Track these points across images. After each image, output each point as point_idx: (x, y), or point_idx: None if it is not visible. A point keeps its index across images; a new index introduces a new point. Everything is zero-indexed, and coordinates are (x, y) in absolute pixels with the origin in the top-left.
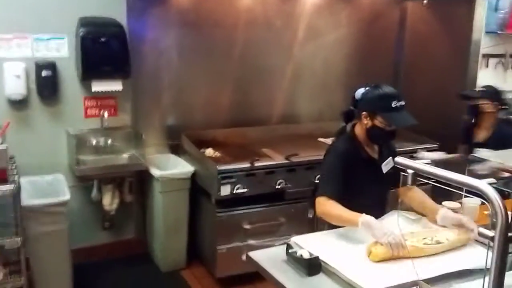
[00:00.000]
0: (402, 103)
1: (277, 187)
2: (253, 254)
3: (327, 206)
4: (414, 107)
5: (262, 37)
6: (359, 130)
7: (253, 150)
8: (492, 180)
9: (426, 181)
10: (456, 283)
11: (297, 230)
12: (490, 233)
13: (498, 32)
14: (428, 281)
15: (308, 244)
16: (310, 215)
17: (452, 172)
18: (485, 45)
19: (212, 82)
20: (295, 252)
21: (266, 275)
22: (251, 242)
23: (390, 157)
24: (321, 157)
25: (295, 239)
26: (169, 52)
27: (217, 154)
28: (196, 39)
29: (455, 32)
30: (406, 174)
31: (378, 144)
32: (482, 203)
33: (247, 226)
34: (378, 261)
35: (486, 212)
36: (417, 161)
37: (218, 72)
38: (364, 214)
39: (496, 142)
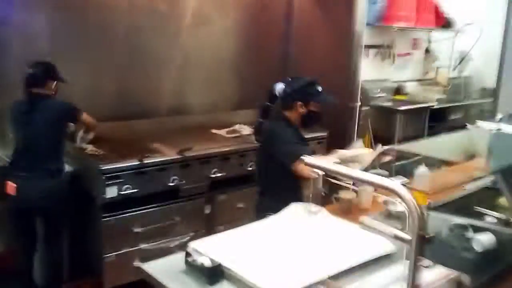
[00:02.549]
0: (320, 87)
1: (170, 184)
2: (145, 266)
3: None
4: None
5: (146, 23)
6: (293, 117)
7: (141, 146)
8: (404, 179)
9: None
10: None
11: (193, 228)
12: (407, 236)
13: (376, 24)
14: (335, 277)
15: (208, 249)
16: (207, 211)
17: (365, 173)
18: (365, 36)
19: (88, 71)
20: (195, 260)
21: None
22: (144, 246)
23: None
24: (217, 150)
25: (194, 245)
26: (39, 38)
27: (100, 151)
28: (71, 23)
29: (339, 24)
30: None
31: (311, 126)
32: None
33: (138, 229)
34: None
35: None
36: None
37: (96, 60)
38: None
39: None
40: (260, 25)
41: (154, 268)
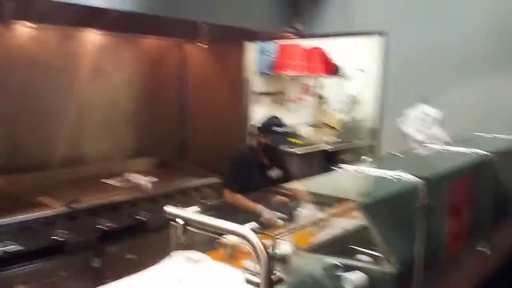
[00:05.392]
0: (281, 129)
1: (56, 238)
2: None
3: (233, 198)
4: (200, 144)
5: (39, 77)
6: (256, 144)
7: (27, 201)
8: (254, 224)
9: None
10: None
11: (81, 283)
12: (256, 279)
13: (268, 72)
14: None
15: None
16: (96, 265)
17: (217, 219)
18: (259, 84)
19: None
20: None
21: None
22: None
23: (276, 170)
24: (106, 200)
25: None
26: None
27: None
28: None
29: (231, 73)
30: (175, 224)
31: (266, 155)
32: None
33: None
34: None
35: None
36: (186, 209)
37: None
38: (259, 204)
39: None
40: (156, 76)
41: None
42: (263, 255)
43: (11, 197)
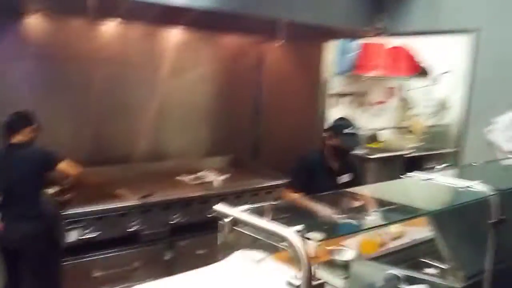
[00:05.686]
0: (352, 131)
1: (130, 229)
2: None
3: (291, 197)
4: (274, 145)
5: (122, 73)
6: (326, 146)
7: (107, 192)
8: (301, 227)
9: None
10: None
11: (153, 274)
12: (296, 281)
13: (348, 73)
14: None
15: None
16: (167, 257)
17: (262, 220)
18: (337, 84)
19: (64, 119)
20: None
21: None
22: None
23: (346, 175)
24: (178, 196)
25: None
26: (19, 86)
27: (66, 196)
28: (50, 73)
29: (309, 72)
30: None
31: (335, 158)
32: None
33: (97, 274)
34: None
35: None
36: (234, 208)
37: (72, 109)
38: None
39: None
40: (233, 74)
41: None
42: (303, 258)
43: (93, 188)
